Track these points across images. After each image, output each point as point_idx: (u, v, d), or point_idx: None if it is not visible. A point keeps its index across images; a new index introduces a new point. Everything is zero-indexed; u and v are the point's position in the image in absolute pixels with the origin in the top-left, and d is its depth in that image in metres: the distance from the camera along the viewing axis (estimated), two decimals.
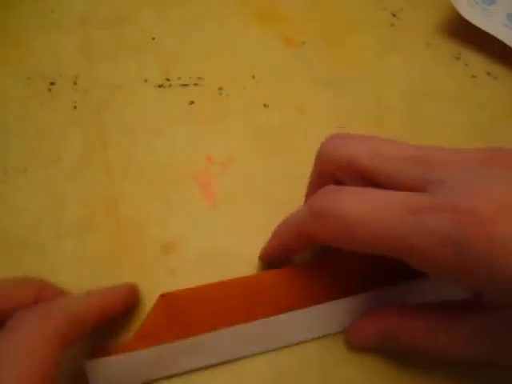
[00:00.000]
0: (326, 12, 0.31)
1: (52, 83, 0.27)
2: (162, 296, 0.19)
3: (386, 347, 0.19)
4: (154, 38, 0.29)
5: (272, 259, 0.21)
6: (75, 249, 0.22)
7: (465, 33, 0.30)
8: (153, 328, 0.19)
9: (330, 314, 0.20)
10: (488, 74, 0.29)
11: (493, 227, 0.13)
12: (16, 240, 0.22)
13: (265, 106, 0.27)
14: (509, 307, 0.15)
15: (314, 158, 0.24)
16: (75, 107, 0.26)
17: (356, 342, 0.20)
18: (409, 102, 0.27)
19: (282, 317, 0.19)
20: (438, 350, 0.17)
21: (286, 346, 0.20)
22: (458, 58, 0.29)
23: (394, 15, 0.31)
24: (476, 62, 0.29)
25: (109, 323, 0.19)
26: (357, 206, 0.15)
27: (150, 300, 0.20)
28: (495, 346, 0.16)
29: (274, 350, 0.19)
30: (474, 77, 0.29)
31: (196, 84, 0.28)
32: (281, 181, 0.24)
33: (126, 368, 0.18)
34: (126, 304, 0.20)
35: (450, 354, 0.17)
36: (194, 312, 0.19)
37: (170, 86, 0.27)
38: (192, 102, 0.27)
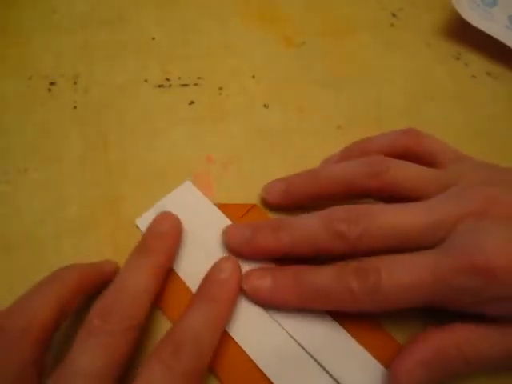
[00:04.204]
0: (325, 12, 0.31)
1: (52, 83, 0.27)
2: None
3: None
4: (153, 38, 0.29)
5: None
6: (75, 249, 0.22)
7: (465, 33, 0.30)
8: None
9: None
10: (488, 74, 0.29)
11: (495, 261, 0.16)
12: (16, 240, 0.22)
13: (265, 106, 0.27)
14: None
15: (313, 158, 0.24)
16: (75, 107, 0.26)
17: None
18: (409, 102, 0.27)
19: None
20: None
21: None
22: (458, 58, 0.29)
23: (394, 15, 0.31)
24: (476, 62, 0.29)
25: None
26: (395, 282, 0.17)
27: None
28: None
29: None
30: (473, 77, 0.29)
31: (196, 84, 0.28)
32: None
33: None
34: (104, 275, 0.20)
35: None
36: None
37: (170, 85, 0.27)
38: (192, 102, 0.27)
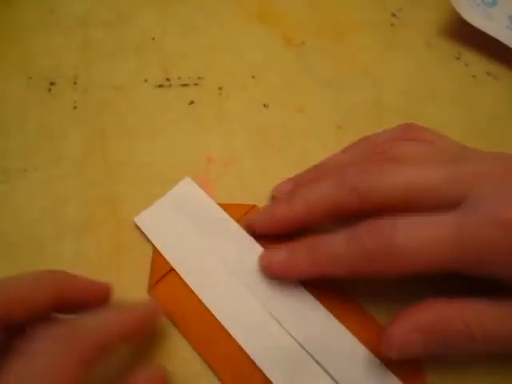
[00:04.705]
0: (325, 12, 0.31)
1: (52, 83, 0.27)
2: None
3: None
4: (153, 38, 0.29)
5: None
6: (75, 249, 0.22)
7: (465, 33, 0.30)
8: None
9: None
10: (488, 74, 0.29)
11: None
12: (16, 240, 0.22)
13: (265, 106, 0.27)
14: None
15: (313, 158, 0.24)
16: (75, 107, 0.26)
17: (396, 353, 0.17)
18: (409, 102, 0.27)
19: None
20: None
21: None
22: (458, 58, 0.29)
23: (393, 15, 0.31)
24: (476, 62, 0.29)
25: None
26: (412, 237, 0.16)
27: (149, 298, 0.20)
28: None
29: None
30: (474, 77, 0.29)
31: (196, 84, 0.28)
32: (281, 181, 0.24)
33: None
34: (149, 324, 0.19)
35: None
36: None
37: (170, 85, 0.27)
38: (192, 102, 0.27)
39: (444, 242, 0.16)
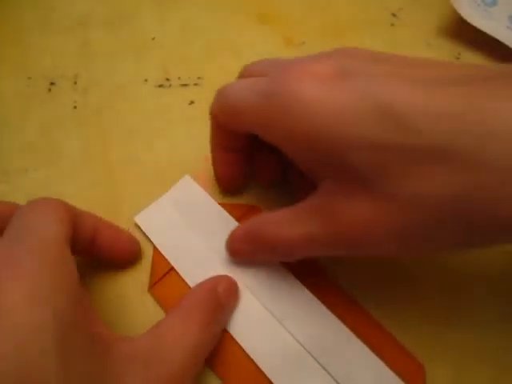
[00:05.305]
0: (325, 12, 0.31)
1: (52, 83, 0.27)
2: None
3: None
4: (153, 38, 0.29)
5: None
6: None
7: (465, 33, 0.30)
8: None
9: None
10: None
11: (297, 85, 0.15)
12: None
13: None
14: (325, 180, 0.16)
15: None
16: (75, 107, 0.26)
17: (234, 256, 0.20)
18: None
19: None
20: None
21: None
22: (458, 58, 0.29)
23: (393, 15, 0.31)
24: (476, 61, 0.29)
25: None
26: (236, 96, 0.18)
27: (150, 298, 0.21)
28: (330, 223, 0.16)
29: None
30: None
31: (196, 84, 0.28)
32: (280, 180, 0.24)
33: None
34: (127, 248, 0.20)
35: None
36: None
37: (170, 85, 0.27)
38: (192, 102, 0.27)
39: (258, 96, 0.17)
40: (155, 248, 0.22)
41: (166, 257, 0.21)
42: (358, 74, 0.15)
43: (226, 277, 0.20)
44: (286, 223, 0.17)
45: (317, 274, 0.21)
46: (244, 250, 0.20)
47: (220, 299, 0.18)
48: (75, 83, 0.27)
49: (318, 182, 0.17)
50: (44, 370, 0.13)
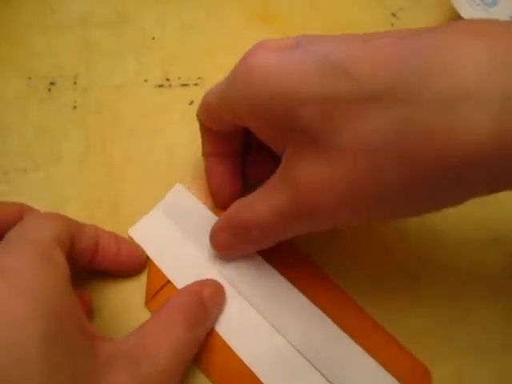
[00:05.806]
0: (325, 12, 0.31)
1: (52, 83, 0.27)
2: None
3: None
4: (153, 38, 0.29)
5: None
6: None
7: None
8: None
9: None
10: None
11: (253, 58, 0.17)
12: None
13: None
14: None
15: None
16: (75, 107, 0.26)
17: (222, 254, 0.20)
18: None
19: None
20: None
21: None
22: None
23: (393, 15, 0.31)
24: None
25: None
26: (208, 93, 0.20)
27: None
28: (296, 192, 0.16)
29: None
30: None
31: (196, 84, 0.28)
32: None
33: None
34: (130, 259, 0.20)
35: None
36: None
37: (170, 85, 0.27)
38: (192, 102, 0.27)
39: (222, 84, 0.19)
40: (150, 261, 0.21)
41: (162, 270, 0.21)
42: (312, 42, 0.16)
43: (212, 280, 0.20)
44: (257, 201, 0.18)
45: (316, 275, 0.21)
46: (225, 240, 0.20)
47: (204, 302, 0.18)
48: (75, 83, 0.27)
49: (282, 153, 0.17)
50: (28, 365, 0.13)
